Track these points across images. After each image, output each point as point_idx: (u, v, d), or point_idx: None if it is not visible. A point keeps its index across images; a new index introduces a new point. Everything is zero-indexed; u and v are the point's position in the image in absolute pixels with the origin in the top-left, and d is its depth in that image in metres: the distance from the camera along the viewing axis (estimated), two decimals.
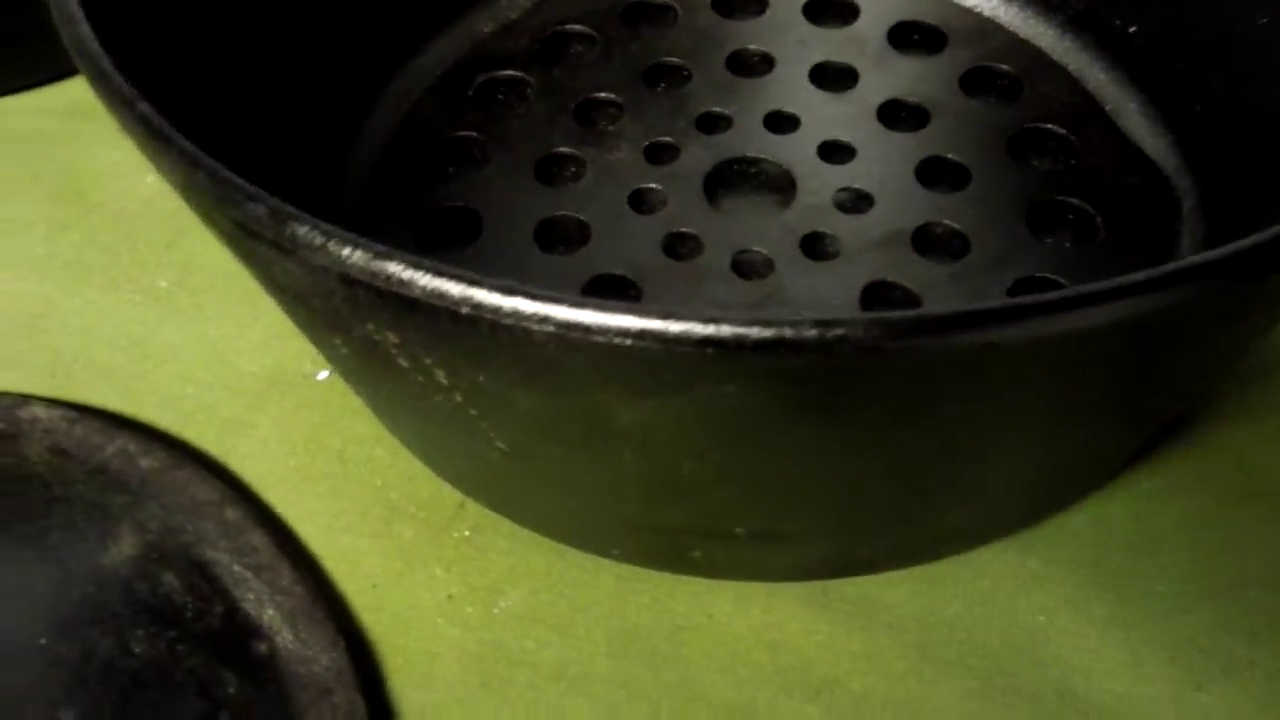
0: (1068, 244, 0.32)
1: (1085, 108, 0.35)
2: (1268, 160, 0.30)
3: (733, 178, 0.34)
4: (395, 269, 0.17)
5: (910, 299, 0.30)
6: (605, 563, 0.28)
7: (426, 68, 0.37)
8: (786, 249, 0.31)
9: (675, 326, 0.15)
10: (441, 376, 0.20)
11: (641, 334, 0.16)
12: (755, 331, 0.15)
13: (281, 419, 0.30)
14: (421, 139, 0.35)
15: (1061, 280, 0.30)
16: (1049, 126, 0.34)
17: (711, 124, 0.35)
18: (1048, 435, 0.23)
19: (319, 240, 0.17)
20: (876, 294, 0.31)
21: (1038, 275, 0.31)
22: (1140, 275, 0.16)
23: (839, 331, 0.15)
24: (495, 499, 0.29)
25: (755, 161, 0.34)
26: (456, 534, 0.28)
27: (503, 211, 0.33)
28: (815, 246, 0.32)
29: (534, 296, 0.16)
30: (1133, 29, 0.35)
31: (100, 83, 0.20)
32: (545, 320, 0.16)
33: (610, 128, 0.35)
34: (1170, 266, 0.16)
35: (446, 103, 0.36)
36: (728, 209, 0.33)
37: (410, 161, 0.34)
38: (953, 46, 0.37)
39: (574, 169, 0.34)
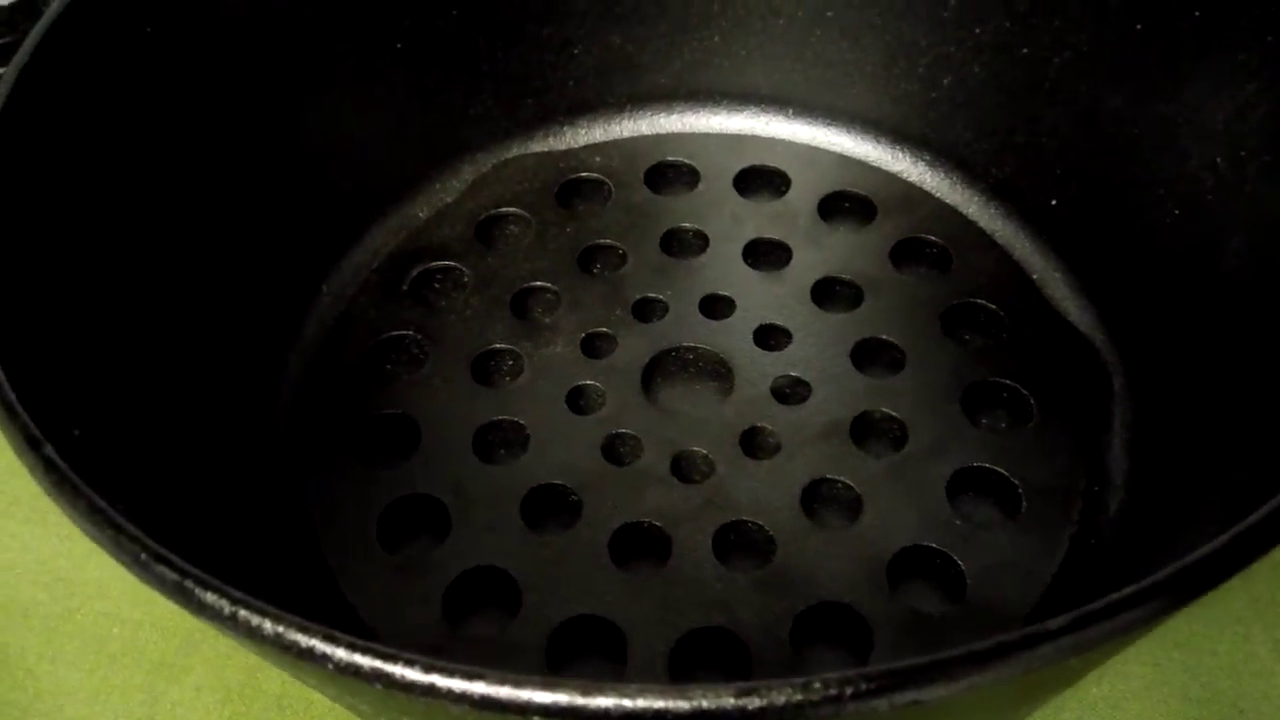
0: (1003, 424, 0.32)
1: (1013, 279, 0.36)
2: (1189, 339, 0.31)
3: (670, 366, 0.34)
4: (299, 639, 0.16)
5: (851, 497, 0.30)
6: None
7: (362, 262, 0.37)
8: (726, 447, 0.32)
9: (596, 702, 0.15)
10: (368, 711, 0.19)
11: (560, 712, 0.15)
12: (675, 704, 0.15)
13: (216, 662, 0.30)
14: (357, 339, 0.35)
15: (1000, 470, 0.31)
16: (979, 301, 0.35)
17: (648, 311, 0.35)
18: None
19: (228, 609, 0.17)
20: (817, 492, 0.31)
21: (975, 465, 0.31)
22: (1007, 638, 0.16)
23: (758, 702, 0.15)
24: None
25: (692, 349, 0.34)
26: None
27: (441, 418, 0.33)
28: (754, 442, 0.32)
29: (450, 673, 0.16)
30: (1054, 201, 0.36)
31: (8, 420, 0.19)
32: (462, 697, 0.16)
33: (547, 319, 0.35)
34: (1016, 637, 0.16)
35: (382, 299, 0.36)
36: (666, 402, 0.33)
37: (347, 364, 0.34)
38: (882, 216, 0.38)
39: (511, 363, 0.34)
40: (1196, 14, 0.30)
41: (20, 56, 0.24)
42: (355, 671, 0.16)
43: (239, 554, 0.26)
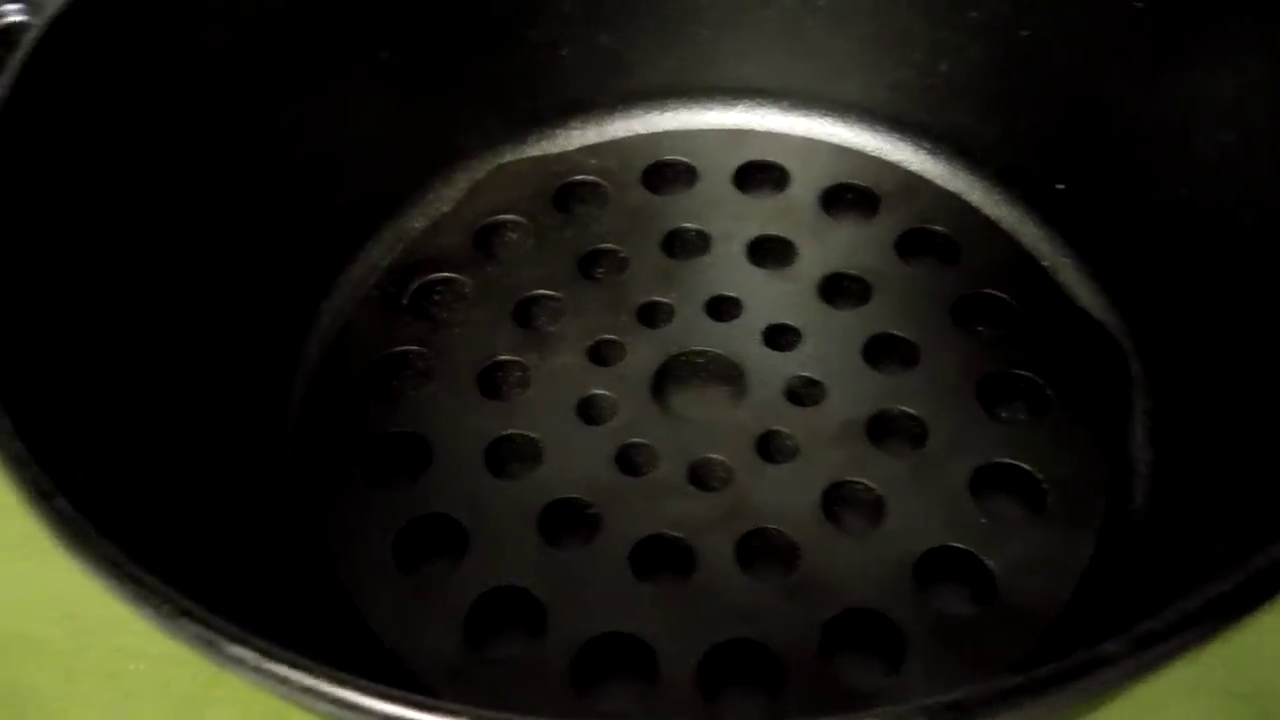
0: (1022, 416, 0.32)
1: (1023, 267, 0.35)
2: (1206, 321, 0.31)
3: (680, 372, 0.34)
4: (329, 688, 0.16)
5: (873, 499, 0.30)
6: None
7: (360, 278, 0.36)
8: (743, 452, 0.31)
9: None
10: None
11: None
12: None
13: (243, 694, 0.29)
14: (360, 358, 0.34)
15: (1022, 465, 0.30)
16: (990, 291, 0.34)
17: (653, 315, 0.35)
18: None
19: (252, 659, 0.16)
20: (838, 495, 0.30)
21: (997, 461, 0.30)
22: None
23: None
24: None
25: (702, 353, 0.34)
26: None
27: (451, 434, 0.32)
28: (771, 446, 0.31)
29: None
30: (1060, 185, 0.35)
31: (16, 471, 0.19)
32: None
33: (551, 328, 0.35)
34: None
35: (383, 314, 0.35)
36: (678, 408, 0.33)
37: (351, 383, 0.33)
38: (885, 208, 0.37)
39: (519, 374, 0.34)
40: None
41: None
42: None
43: (257, 586, 0.26)
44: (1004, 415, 0.32)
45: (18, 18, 0.26)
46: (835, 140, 0.39)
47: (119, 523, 0.19)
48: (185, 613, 0.17)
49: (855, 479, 0.30)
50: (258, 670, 0.16)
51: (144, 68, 0.29)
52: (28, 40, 0.25)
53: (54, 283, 0.24)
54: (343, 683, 0.16)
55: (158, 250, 0.29)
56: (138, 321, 0.27)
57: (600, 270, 0.36)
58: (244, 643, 0.16)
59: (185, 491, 0.26)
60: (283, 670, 0.16)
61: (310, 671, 0.16)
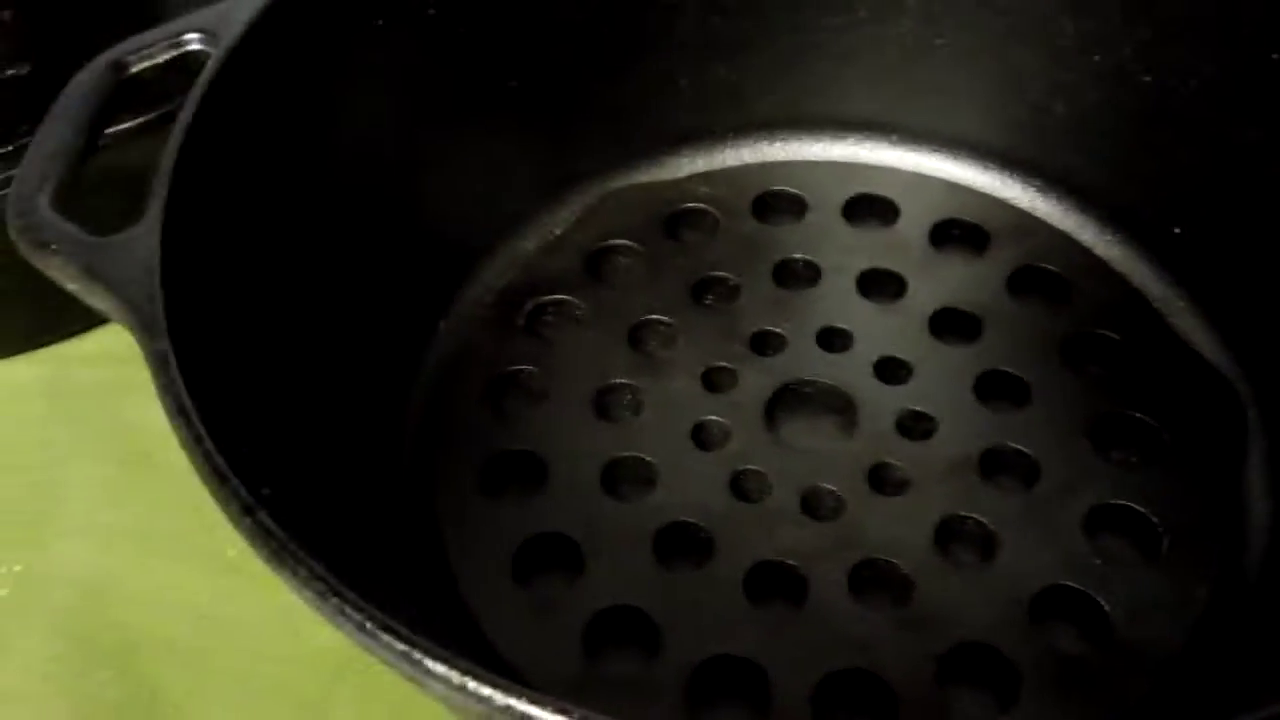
0: (1134, 459, 0.32)
1: (1134, 307, 0.35)
2: None
3: (792, 401, 0.34)
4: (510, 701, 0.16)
5: (985, 534, 0.30)
6: None
7: (475, 298, 0.37)
8: (854, 483, 0.31)
9: None
10: None
11: None
12: None
13: (363, 696, 0.30)
14: (476, 376, 0.35)
15: (1137, 508, 0.30)
16: (1101, 331, 0.34)
17: (765, 344, 0.35)
18: None
19: (456, 679, 0.17)
20: (950, 529, 0.31)
21: (1112, 502, 0.30)
22: None
23: None
24: None
25: (813, 383, 0.34)
26: None
27: (566, 454, 0.33)
28: (883, 478, 0.32)
29: None
30: (1176, 229, 0.35)
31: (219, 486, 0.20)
32: None
33: (664, 353, 0.35)
34: None
35: (498, 335, 0.36)
36: (790, 437, 0.33)
37: (467, 400, 0.34)
38: (995, 245, 0.37)
39: (631, 398, 0.34)
40: None
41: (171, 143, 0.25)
42: None
43: (386, 597, 0.27)
44: (1116, 457, 0.32)
45: (197, 46, 0.27)
46: (945, 175, 0.40)
47: (303, 536, 0.19)
48: (389, 629, 0.17)
49: (967, 513, 0.30)
50: (461, 690, 0.17)
51: (302, 90, 0.30)
52: (208, 68, 0.26)
53: (222, 298, 0.26)
54: (539, 702, 0.16)
55: (300, 268, 0.30)
56: (285, 338, 0.28)
57: (711, 298, 0.37)
58: (447, 661, 0.17)
59: (325, 503, 0.27)
60: (485, 690, 0.17)
61: (508, 691, 0.16)
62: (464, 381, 0.35)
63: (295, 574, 0.19)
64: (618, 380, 0.35)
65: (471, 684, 0.17)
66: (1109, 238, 0.37)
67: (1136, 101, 0.35)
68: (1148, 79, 0.34)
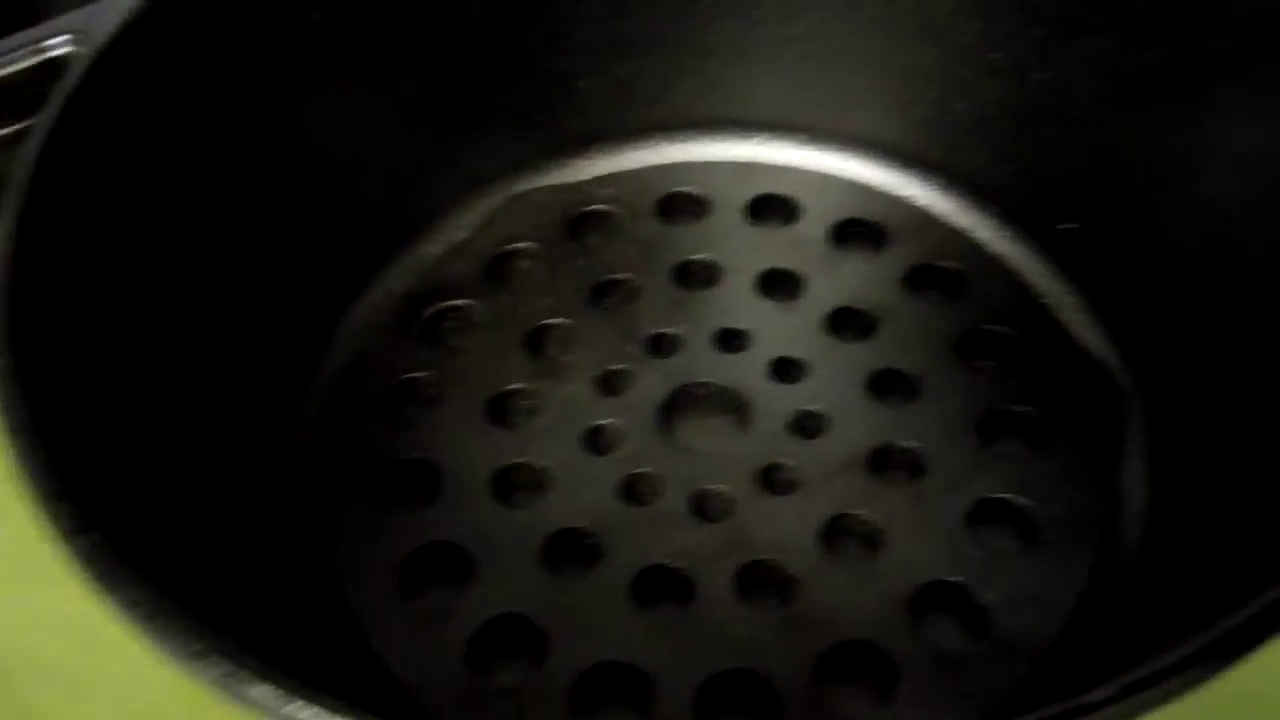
0: (1020, 453, 0.32)
1: (1026, 304, 0.36)
2: (1207, 365, 0.31)
3: (687, 403, 0.34)
4: None
5: (871, 532, 0.30)
6: None
7: (374, 303, 0.37)
8: (745, 484, 0.32)
9: None
10: None
11: None
12: None
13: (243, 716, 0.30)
14: (373, 383, 0.35)
15: (1019, 499, 0.31)
16: (993, 327, 0.35)
17: (662, 346, 0.35)
18: None
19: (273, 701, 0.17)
20: (837, 528, 0.31)
21: (995, 496, 0.31)
22: None
23: None
24: None
25: (708, 385, 0.34)
26: None
27: (460, 462, 0.33)
28: (773, 478, 0.32)
29: None
30: (1068, 225, 0.35)
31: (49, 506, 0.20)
32: None
33: (563, 357, 0.35)
34: None
35: (396, 342, 0.36)
36: (684, 439, 0.33)
37: (363, 408, 0.34)
38: (894, 243, 0.38)
39: (528, 403, 0.34)
40: (1218, 44, 0.30)
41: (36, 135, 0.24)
42: None
43: (266, 611, 0.27)
44: (1003, 450, 0.32)
45: (68, 49, 0.27)
46: (848, 175, 0.40)
47: (142, 557, 0.19)
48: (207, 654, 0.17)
49: (854, 511, 0.31)
50: (277, 715, 0.17)
51: (179, 94, 0.30)
52: (73, 70, 0.26)
53: (82, 309, 0.25)
54: None
55: (181, 276, 0.30)
56: (158, 349, 0.28)
57: (611, 300, 0.37)
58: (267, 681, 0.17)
59: (197, 517, 0.26)
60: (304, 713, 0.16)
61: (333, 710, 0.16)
62: (360, 390, 0.35)
63: (116, 596, 0.18)
64: (514, 385, 0.34)
65: (287, 706, 0.17)
66: (1006, 235, 0.37)
67: (1032, 99, 0.35)
68: (1042, 76, 0.35)
